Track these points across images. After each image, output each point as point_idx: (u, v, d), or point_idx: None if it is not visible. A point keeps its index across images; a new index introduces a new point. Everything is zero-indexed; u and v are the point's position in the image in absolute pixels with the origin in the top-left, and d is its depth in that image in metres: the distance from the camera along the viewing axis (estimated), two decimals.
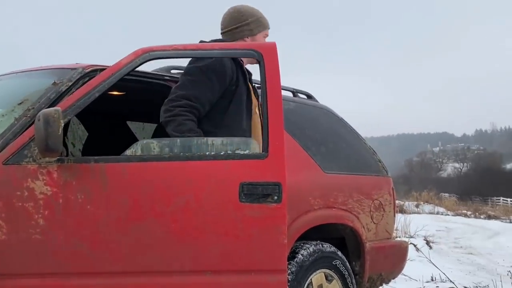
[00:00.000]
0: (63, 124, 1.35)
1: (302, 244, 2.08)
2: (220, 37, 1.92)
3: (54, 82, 1.64)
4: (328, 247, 2.23)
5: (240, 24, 1.83)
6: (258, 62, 1.63)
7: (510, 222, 12.84)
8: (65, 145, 2.23)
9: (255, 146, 1.58)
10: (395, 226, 3.01)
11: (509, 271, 4.76)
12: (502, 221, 13.13)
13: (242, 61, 1.81)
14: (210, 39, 1.87)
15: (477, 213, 16.75)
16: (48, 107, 1.48)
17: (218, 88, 1.66)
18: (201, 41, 1.82)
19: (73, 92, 1.57)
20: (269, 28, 1.92)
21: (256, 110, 1.85)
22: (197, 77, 1.67)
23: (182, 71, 1.88)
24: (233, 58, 1.76)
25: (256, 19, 1.85)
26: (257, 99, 1.87)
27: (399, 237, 3.51)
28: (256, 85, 1.90)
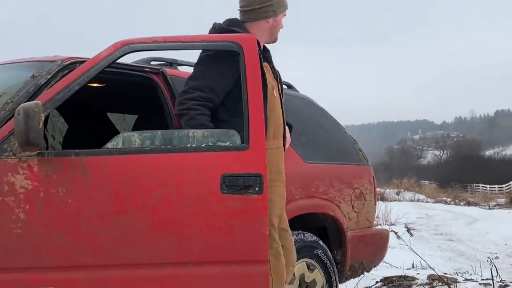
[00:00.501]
0: (43, 118, 1.35)
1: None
2: (236, 15, 1.87)
3: (33, 75, 1.63)
4: (309, 237, 2.30)
5: (265, 4, 1.78)
6: (238, 54, 1.63)
7: (489, 209, 13.21)
8: (45, 138, 2.22)
9: (236, 138, 1.58)
10: (376, 214, 3.13)
11: (488, 257, 4.92)
12: (481, 208, 13.52)
13: (258, 42, 1.76)
14: (226, 19, 1.82)
15: (456, 200, 17.07)
16: (27, 100, 1.47)
17: (232, 75, 1.65)
18: (214, 23, 1.80)
19: (53, 85, 1.56)
20: (287, 8, 1.92)
21: (274, 93, 1.80)
22: (208, 66, 1.68)
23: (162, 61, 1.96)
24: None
25: (279, 2, 1.85)
26: (276, 79, 1.87)
27: (380, 225, 3.66)
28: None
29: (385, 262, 3.40)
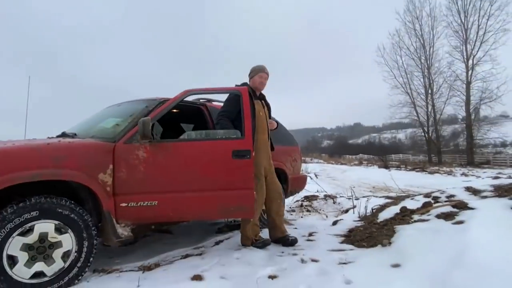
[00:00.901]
0: (151, 125, 2.48)
1: None
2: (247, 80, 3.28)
3: (147, 106, 2.86)
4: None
5: (250, 72, 3.23)
6: (239, 95, 3.02)
7: (351, 166, 23.03)
8: (152, 135, 3.83)
9: (239, 133, 2.79)
10: (302, 168, 5.25)
11: (350, 186, 8.56)
12: (347, 165, 24.51)
13: (252, 92, 3.09)
14: (242, 82, 3.23)
15: (336, 162, 29.09)
16: (144, 117, 2.66)
17: (237, 105, 2.96)
18: (236, 85, 3.18)
19: (155, 110, 2.79)
20: (261, 72, 3.19)
21: (260, 113, 3.08)
22: (228, 101, 3.06)
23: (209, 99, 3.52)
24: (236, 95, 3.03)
25: (254, 69, 3.21)
26: (263, 106, 3.19)
27: (303, 172, 5.92)
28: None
29: (306, 190, 5.56)
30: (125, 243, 2.51)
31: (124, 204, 2.46)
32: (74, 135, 2.80)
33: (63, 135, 2.91)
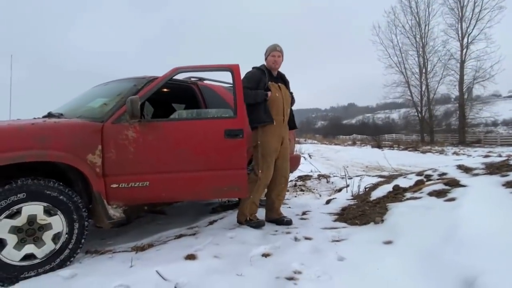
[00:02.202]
0: (139, 104, 2.39)
1: None
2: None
3: (135, 84, 2.76)
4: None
5: (265, 52, 3.18)
6: (231, 72, 2.91)
7: (344, 146, 23.68)
8: (143, 115, 3.70)
9: (231, 112, 2.75)
10: (296, 149, 5.24)
11: (343, 166, 8.45)
12: (340, 146, 24.97)
13: (267, 71, 3.09)
14: (261, 64, 3.20)
15: (330, 143, 29.62)
16: (132, 95, 2.52)
17: (255, 83, 2.99)
18: (253, 67, 3.18)
19: (143, 89, 2.69)
20: (275, 50, 3.13)
21: (276, 94, 3.04)
22: (246, 79, 3.00)
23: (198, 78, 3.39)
24: (260, 69, 3.12)
25: (266, 50, 3.17)
26: (279, 88, 3.11)
27: (297, 152, 5.93)
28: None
29: (300, 170, 5.69)
30: (117, 224, 2.49)
31: (114, 185, 2.42)
32: (60, 115, 2.71)
33: (49, 115, 2.82)
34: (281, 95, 3.11)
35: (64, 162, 2.20)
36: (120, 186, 2.42)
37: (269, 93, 3.01)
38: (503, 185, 2.75)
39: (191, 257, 2.23)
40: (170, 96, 4.04)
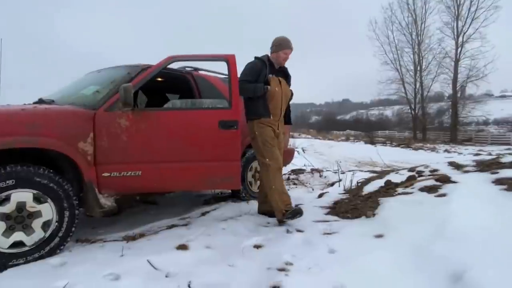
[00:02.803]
0: (133, 92, 2.34)
1: (247, 149, 3.47)
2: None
3: (128, 72, 2.72)
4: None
5: (274, 45, 3.02)
6: (227, 62, 2.92)
7: (338, 141, 22.66)
8: (136, 105, 3.63)
9: (225, 103, 2.74)
10: (289, 143, 5.24)
11: (336, 161, 8.21)
12: (334, 141, 23.51)
13: (268, 62, 2.97)
14: (264, 54, 3.06)
15: (324, 138, 27.54)
16: (125, 83, 2.46)
17: (255, 75, 2.89)
18: (255, 57, 3.04)
19: (137, 77, 2.65)
20: (288, 48, 3.02)
21: (276, 88, 2.94)
22: (247, 71, 2.93)
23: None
24: (262, 61, 2.97)
25: (279, 43, 3.01)
26: (279, 80, 3.00)
27: (291, 146, 5.92)
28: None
29: (293, 164, 5.73)
30: (108, 213, 2.46)
31: (106, 174, 2.39)
32: (51, 102, 2.66)
33: (40, 101, 2.76)
34: (280, 89, 3.03)
35: (54, 149, 2.16)
36: (111, 175, 2.39)
37: (268, 87, 2.93)
38: (493, 182, 2.78)
39: (182, 247, 2.23)
40: (164, 86, 4.00)
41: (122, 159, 2.43)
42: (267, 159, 2.90)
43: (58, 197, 2.14)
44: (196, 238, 2.42)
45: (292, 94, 3.21)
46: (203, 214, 3.21)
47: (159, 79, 3.45)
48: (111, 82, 2.70)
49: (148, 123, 2.51)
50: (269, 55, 3.08)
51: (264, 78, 2.94)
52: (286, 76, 3.15)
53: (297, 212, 2.77)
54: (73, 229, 2.26)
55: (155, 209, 3.46)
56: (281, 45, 3.02)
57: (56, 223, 2.17)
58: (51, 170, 2.15)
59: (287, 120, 3.24)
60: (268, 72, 2.96)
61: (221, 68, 3.28)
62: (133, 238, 2.49)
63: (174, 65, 3.11)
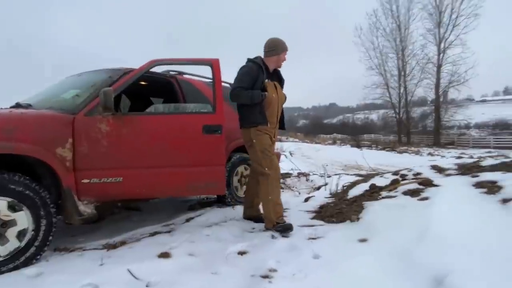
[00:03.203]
0: (113, 96, 2.30)
1: (233, 154, 3.48)
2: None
3: (110, 76, 2.66)
4: (245, 155, 3.47)
5: (272, 48, 2.85)
6: (211, 66, 2.91)
7: (325, 145, 22.80)
8: (119, 109, 3.52)
9: (209, 108, 2.72)
10: (277, 147, 5.24)
11: (322, 164, 8.04)
12: (321, 144, 23.57)
13: (264, 67, 2.80)
14: (255, 56, 2.87)
15: (311, 141, 27.28)
16: (106, 87, 2.42)
17: (251, 80, 2.71)
18: (248, 59, 2.85)
19: (119, 81, 2.60)
20: (286, 50, 2.88)
21: (273, 95, 2.81)
22: (242, 76, 2.74)
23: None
24: (258, 65, 2.77)
25: (277, 46, 2.85)
26: (275, 86, 2.87)
27: (278, 150, 5.90)
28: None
29: (280, 167, 5.72)
30: (88, 221, 2.38)
31: (86, 180, 2.32)
32: (28, 106, 2.57)
33: (17, 105, 2.67)
34: (277, 95, 2.89)
35: (31, 155, 2.09)
36: (91, 181, 2.33)
37: (266, 93, 2.76)
38: (473, 185, 2.84)
39: (165, 255, 2.18)
40: (148, 90, 3.92)
41: (103, 165, 2.38)
42: (266, 169, 2.74)
43: (34, 205, 2.06)
44: (179, 245, 2.37)
45: (285, 98, 3.09)
46: (188, 220, 3.16)
47: (143, 83, 3.39)
48: (92, 86, 2.64)
49: (129, 128, 2.47)
50: (263, 58, 2.90)
51: (261, 84, 2.77)
52: (280, 79, 3.01)
53: (287, 228, 2.69)
54: (51, 237, 2.18)
55: (138, 216, 3.38)
56: (281, 47, 2.87)
57: (32, 232, 2.09)
58: (27, 177, 2.08)
59: (281, 125, 3.09)
60: (265, 77, 2.81)
61: (207, 72, 3.24)
62: (114, 246, 2.42)
63: (159, 70, 3.02)
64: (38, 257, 2.13)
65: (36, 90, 3.15)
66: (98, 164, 2.37)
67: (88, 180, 2.32)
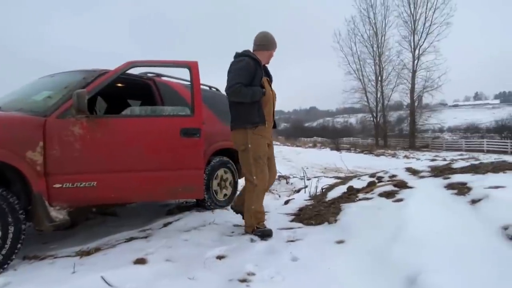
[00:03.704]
0: (87, 98, 2.24)
1: (213, 157, 3.41)
2: (251, 48, 2.74)
3: (84, 77, 2.58)
4: (225, 158, 3.56)
5: (264, 43, 2.70)
6: (189, 69, 2.84)
7: (305, 148, 22.88)
8: (95, 111, 3.34)
9: (187, 111, 2.68)
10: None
11: (302, 167, 8.36)
12: (302, 147, 23.66)
13: (260, 62, 2.65)
14: (243, 50, 2.69)
15: (292, 145, 27.79)
16: (80, 89, 2.36)
17: (249, 76, 2.54)
18: (236, 52, 2.66)
19: (93, 82, 2.53)
20: (275, 47, 2.74)
21: (270, 92, 2.67)
22: (239, 71, 2.53)
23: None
24: (254, 59, 2.60)
25: (269, 41, 2.72)
26: (269, 82, 2.72)
27: None
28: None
29: None
30: (60, 227, 2.29)
31: (58, 185, 2.24)
32: None
33: None
34: (271, 92, 2.74)
35: None
36: (64, 186, 2.25)
37: (265, 90, 2.61)
38: (445, 187, 2.94)
39: (140, 261, 2.12)
40: (125, 92, 3.84)
41: (76, 169, 2.30)
42: (255, 178, 2.61)
43: (1, 212, 1.97)
44: (156, 251, 2.32)
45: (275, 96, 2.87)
46: (165, 225, 3.10)
47: (120, 85, 3.31)
48: (65, 88, 2.56)
49: (104, 131, 2.41)
50: (254, 51, 2.73)
51: (260, 80, 2.60)
52: (269, 76, 2.83)
53: (267, 234, 2.64)
54: (19, 245, 2.08)
55: (114, 221, 3.28)
56: (274, 44, 2.75)
57: None
58: None
59: (273, 125, 2.86)
60: (262, 72, 2.66)
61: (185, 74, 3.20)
62: (88, 253, 2.34)
63: (135, 70, 2.95)
64: (6, 266, 2.03)
65: (5, 91, 3.01)
66: (71, 168, 2.29)
67: (60, 185, 2.24)
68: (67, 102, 2.35)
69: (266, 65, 2.83)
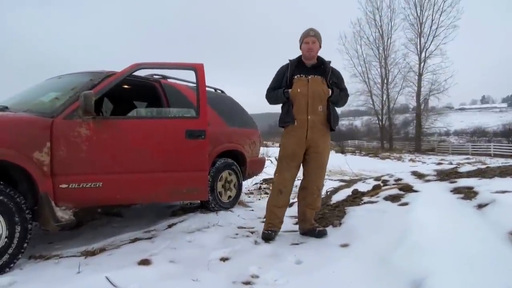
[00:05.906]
0: (94, 99, 2.26)
1: (218, 159, 3.45)
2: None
3: (91, 79, 2.61)
4: (230, 160, 3.67)
5: (300, 39, 2.70)
6: (195, 71, 2.85)
7: None
8: (101, 113, 3.36)
9: (193, 112, 2.71)
10: (261, 151, 5.24)
11: None
12: None
13: (296, 62, 2.70)
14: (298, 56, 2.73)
15: None
16: (87, 90, 2.40)
17: (279, 80, 2.70)
18: (289, 60, 2.73)
19: (100, 84, 2.55)
20: (305, 37, 2.66)
21: (298, 90, 2.60)
22: (274, 77, 2.75)
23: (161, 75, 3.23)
24: (288, 63, 2.70)
25: (301, 36, 2.71)
26: (308, 80, 2.63)
27: (263, 155, 5.85)
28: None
29: (265, 173, 5.62)
30: (66, 227, 2.31)
31: (64, 186, 2.26)
32: (5, 109, 2.49)
33: None
34: (306, 89, 2.60)
35: (6, 159, 2.01)
36: (70, 186, 2.26)
37: (288, 90, 2.62)
38: (451, 191, 2.92)
39: (145, 262, 2.13)
40: (131, 93, 3.87)
41: (82, 170, 2.32)
42: (276, 175, 2.76)
43: (8, 211, 1.98)
44: (160, 252, 2.33)
45: (333, 92, 2.70)
46: (170, 226, 3.10)
47: (126, 86, 3.33)
48: (72, 89, 2.57)
49: (110, 132, 2.42)
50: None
51: (286, 82, 2.66)
52: (325, 72, 2.69)
53: (269, 239, 2.67)
54: (25, 245, 2.10)
55: (119, 222, 3.30)
56: (301, 37, 2.70)
57: (6, 239, 2.00)
58: (2, 182, 2.00)
59: (332, 125, 2.73)
60: (296, 72, 2.66)
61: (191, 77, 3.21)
62: (93, 253, 2.35)
63: (142, 72, 2.98)
64: (12, 265, 2.04)
65: (14, 92, 3.05)
66: (77, 169, 2.31)
67: (67, 185, 2.26)
68: (74, 104, 2.38)
69: (312, 58, 2.72)
